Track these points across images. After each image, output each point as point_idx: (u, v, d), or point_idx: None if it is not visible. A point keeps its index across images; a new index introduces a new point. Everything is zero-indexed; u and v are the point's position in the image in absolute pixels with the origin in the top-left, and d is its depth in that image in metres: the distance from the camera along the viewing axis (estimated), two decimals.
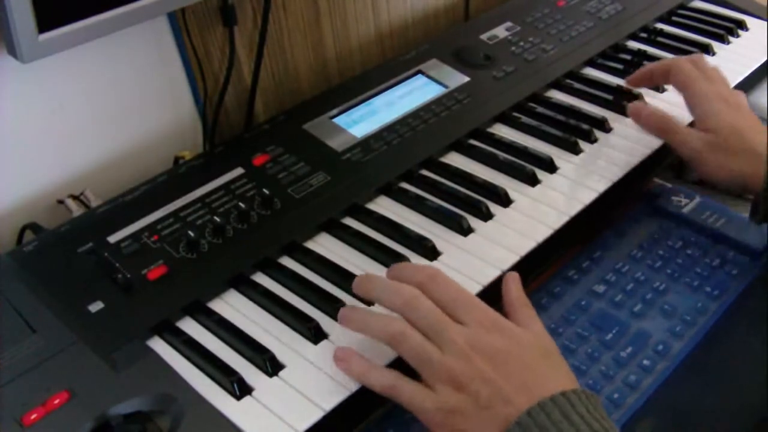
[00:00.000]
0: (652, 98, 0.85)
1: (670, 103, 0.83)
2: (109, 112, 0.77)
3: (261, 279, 0.64)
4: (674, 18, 1.03)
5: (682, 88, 0.76)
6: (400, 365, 0.54)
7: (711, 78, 0.76)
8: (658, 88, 0.86)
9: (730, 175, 0.69)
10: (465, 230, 0.68)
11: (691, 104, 0.75)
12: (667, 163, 0.80)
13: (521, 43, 0.93)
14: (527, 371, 0.51)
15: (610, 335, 0.63)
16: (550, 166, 0.75)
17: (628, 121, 0.83)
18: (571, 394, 0.49)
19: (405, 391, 0.52)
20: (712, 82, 0.75)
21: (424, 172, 0.76)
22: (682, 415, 0.58)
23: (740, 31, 0.99)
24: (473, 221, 0.69)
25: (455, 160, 0.77)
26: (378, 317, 0.55)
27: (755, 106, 0.91)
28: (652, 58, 0.93)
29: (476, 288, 0.62)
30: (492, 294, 0.60)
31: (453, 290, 0.55)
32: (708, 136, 0.71)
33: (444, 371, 0.51)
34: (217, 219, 0.66)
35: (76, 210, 0.72)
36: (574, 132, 0.80)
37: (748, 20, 1.01)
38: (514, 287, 0.58)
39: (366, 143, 0.76)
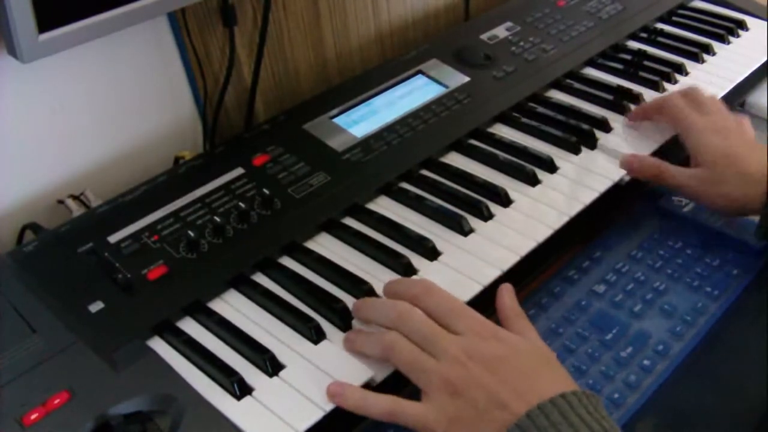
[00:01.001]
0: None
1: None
2: (109, 112, 0.77)
3: (261, 279, 0.64)
4: (674, 18, 1.03)
5: (674, 123, 0.77)
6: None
7: (704, 109, 0.76)
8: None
9: (728, 202, 0.70)
10: (465, 230, 0.68)
11: (685, 138, 0.75)
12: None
13: (521, 43, 0.93)
14: (524, 376, 0.51)
15: (610, 335, 0.63)
16: (550, 166, 0.75)
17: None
18: (570, 395, 0.49)
19: (405, 412, 0.52)
20: (705, 113, 0.75)
21: (424, 172, 0.76)
22: (682, 415, 0.58)
23: (740, 31, 0.99)
24: (473, 221, 0.69)
25: (455, 160, 0.77)
26: (371, 335, 0.56)
27: (755, 106, 0.92)
28: (652, 58, 0.93)
29: (476, 288, 0.62)
30: (491, 296, 0.60)
31: (447, 301, 0.56)
32: (701, 172, 0.71)
33: (439, 378, 0.52)
34: (217, 219, 0.66)
35: (76, 210, 0.72)
36: (574, 132, 0.80)
37: (748, 20, 1.01)
38: (507, 298, 0.59)
39: (366, 143, 0.76)
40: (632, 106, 0.84)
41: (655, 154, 0.78)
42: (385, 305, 0.57)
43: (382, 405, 0.53)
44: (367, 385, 0.56)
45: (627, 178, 0.75)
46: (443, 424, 0.50)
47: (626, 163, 0.76)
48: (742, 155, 0.70)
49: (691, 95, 0.78)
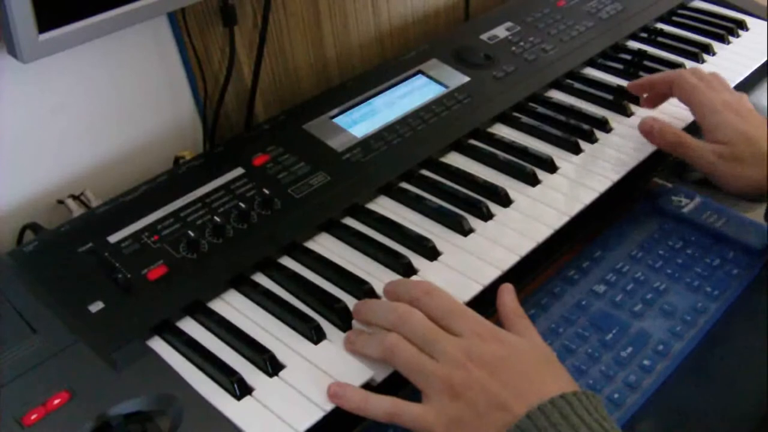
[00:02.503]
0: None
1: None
2: (109, 112, 0.77)
3: (261, 279, 0.64)
4: (674, 18, 1.03)
5: (686, 100, 0.76)
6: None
7: (713, 86, 0.75)
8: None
9: (745, 183, 0.70)
10: (465, 230, 0.68)
11: (699, 115, 0.74)
12: (667, 163, 0.80)
13: (521, 43, 0.93)
14: (524, 377, 0.51)
15: (610, 335, 0.63)
16: (550, 166, 0.75)
17: (629, 121, 0.83)
18: (570, 396, 0.49)
19: (405, 412, 0.52)
20: (715, 90, 0.75)
21: (424, 172, 0.76)
22: (682, 415, 0.58)
23: (740, 31, 1.00)
24: (473, 221, 0.69)
25: (455, 160, 0.77)
26: (371, 336, 0.56)
27: (755, 106, 0.91)
28: (653, 58, 0.93)
29: (476, 288, 0.62)
30: (491, 296, 0.60)
31: (447, 303, 0.56)
32: (720, 148, 0.71)
33: (439, 381, 0.52)
34: (217, 219, 0.66)
35: (76, 210, 0.72)
36: (575, 132, 0.80)
37: (748, 20, 1.01)
38: (508, 298, 0.59)
39: (366, 143, 0.76)
40: (632, 106, 0.84)
41: (656, 153, 0.78)
42: (385, 307, 0.57)
43: (382, 406, 0.53)
44: (367, 386, 0.56)
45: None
46: (443, 425, 0.50)
47: (646, 127, 0.75)
48: (757, 136, 0.70)
49: (697, 72, 0.77)
